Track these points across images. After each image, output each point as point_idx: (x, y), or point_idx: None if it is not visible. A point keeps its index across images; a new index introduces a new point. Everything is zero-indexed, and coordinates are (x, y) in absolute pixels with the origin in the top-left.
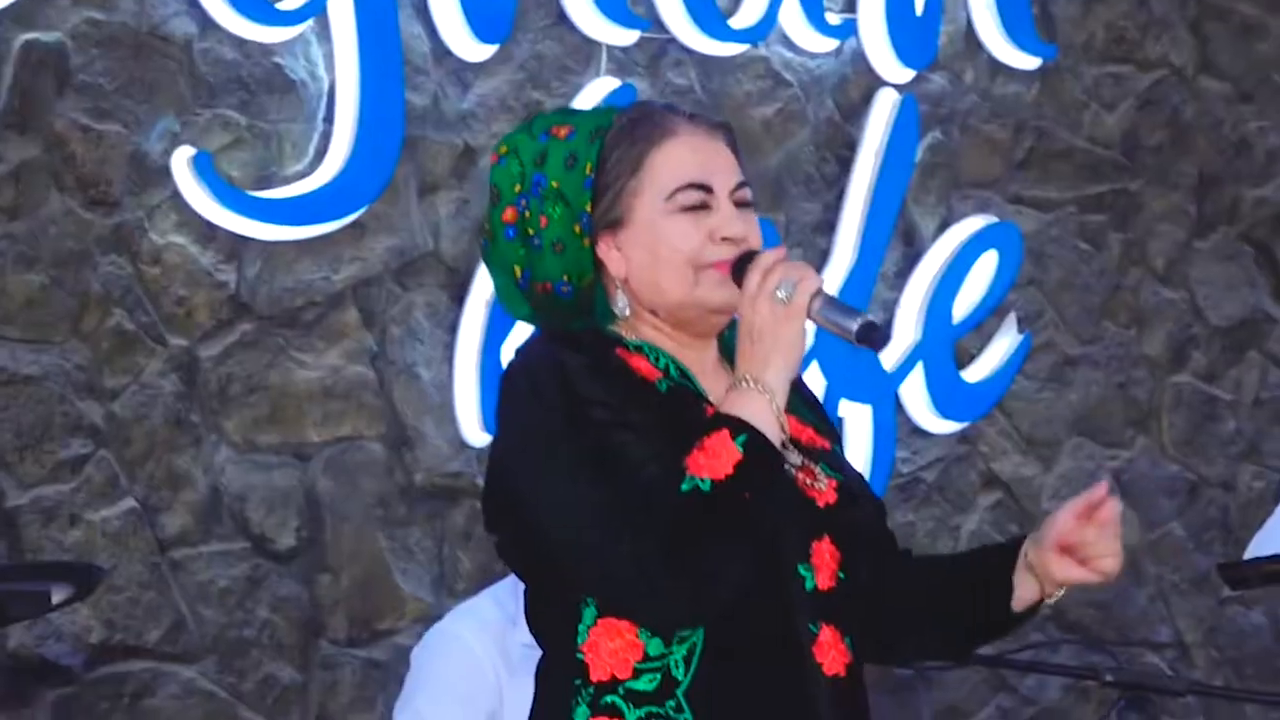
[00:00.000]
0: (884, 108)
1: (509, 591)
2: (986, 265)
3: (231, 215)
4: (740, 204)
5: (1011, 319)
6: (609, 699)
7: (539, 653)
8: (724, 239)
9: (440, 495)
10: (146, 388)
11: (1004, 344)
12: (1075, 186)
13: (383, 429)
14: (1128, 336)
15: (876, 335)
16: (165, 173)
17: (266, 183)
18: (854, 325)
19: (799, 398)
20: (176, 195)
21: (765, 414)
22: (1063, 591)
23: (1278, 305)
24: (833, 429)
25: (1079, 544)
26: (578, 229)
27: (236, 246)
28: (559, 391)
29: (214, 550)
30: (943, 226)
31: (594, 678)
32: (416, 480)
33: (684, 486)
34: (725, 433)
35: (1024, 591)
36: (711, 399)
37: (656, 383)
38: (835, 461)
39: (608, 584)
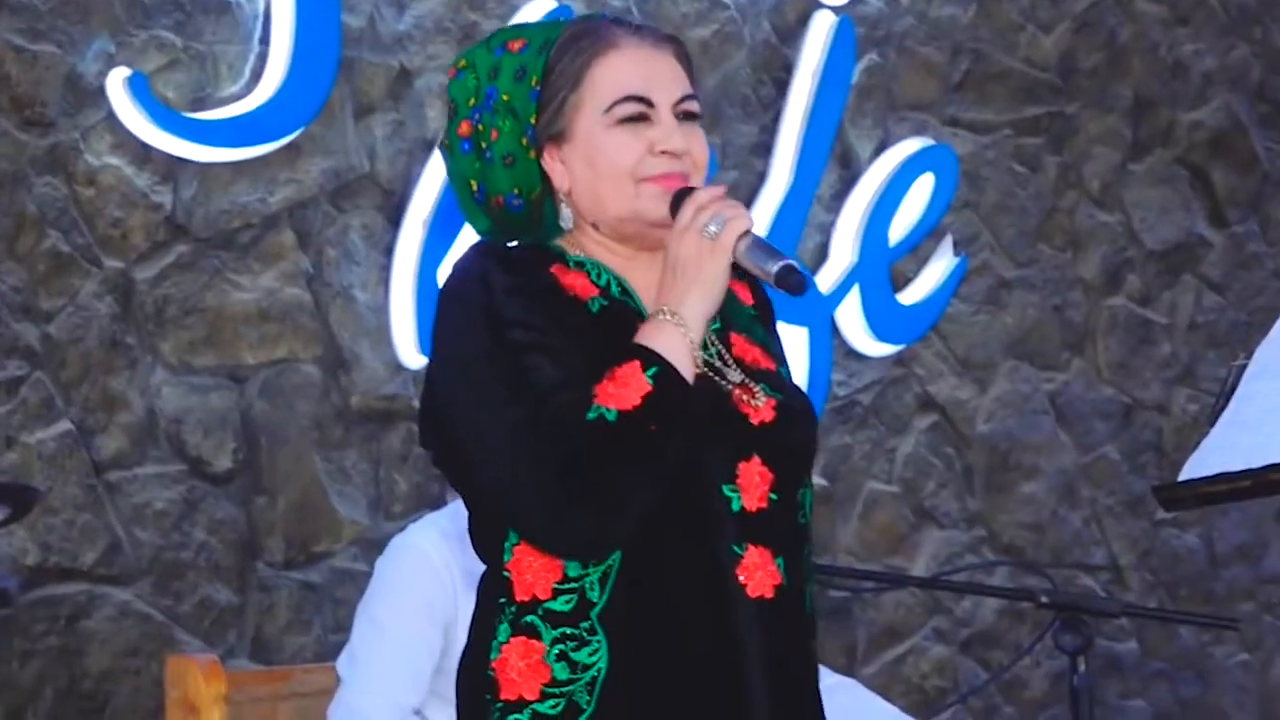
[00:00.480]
0: (820, 30)
1: None
2: (923, 188)
3: (167, 136)
4: (684, 117)
5: (947, 241)
6: (529, 619)
7: None
8: (663, 152)
9: (376, 418)
10: (82, 309)
11: (940, 266)
12: (1011, 109)
13: (319, 351)
14: (1063, 259)
15: (794, 279)
16: (100, 94)
17: (202, 104)
18: (774, 268)
19: (753, 318)
20: (112, 116)
21: (679, 347)
22: None
23: (1213, 229)
24: (781, 354)
25: None
26: (525, 141)
27: (172, 168)
28: (483, 312)
29: (150, 472)
30: (879, 149)
31: (517, 596)
32: (353, 403)
33: (590, 415)
34: (636, 363)
35: None
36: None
37: (589, 302)
38: (778, 383)
39: (512, 509)
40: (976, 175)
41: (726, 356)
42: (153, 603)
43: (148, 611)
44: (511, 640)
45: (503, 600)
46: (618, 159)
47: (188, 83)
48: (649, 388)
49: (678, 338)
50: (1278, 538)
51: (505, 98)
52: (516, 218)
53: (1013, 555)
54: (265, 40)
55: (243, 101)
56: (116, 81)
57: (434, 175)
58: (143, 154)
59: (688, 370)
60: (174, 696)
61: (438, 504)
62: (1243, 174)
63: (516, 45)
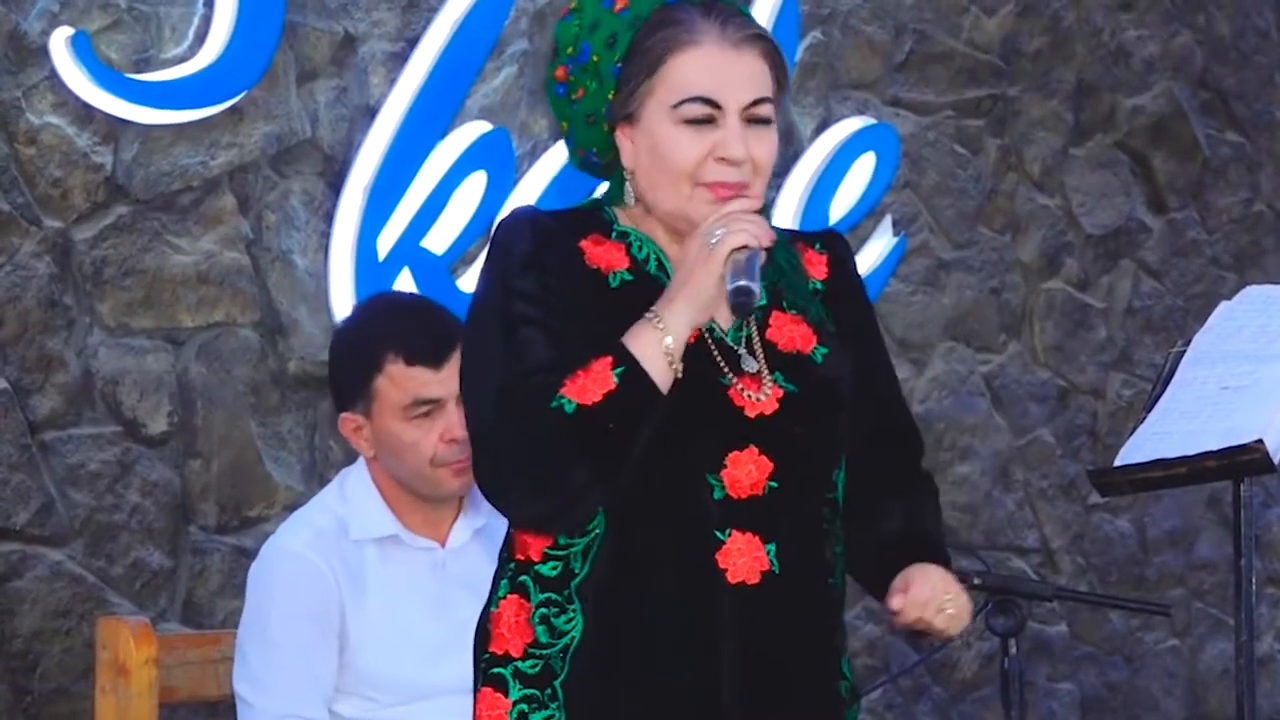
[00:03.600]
0: (765, 7)
1: (335, 496)
2: (863, 167)
3: (109, 97)
4: (753, 121)
5: (887, 221)
6: (523, 578)
7: (372, 548)
8: (721, 158)
9: (313, 383)
10: (20, 269)
11: (879, 246)
12: (954, 90)
13: (257, 316)
14: (1002, 242)
15: (739, 301)
16: (43, 53)
17: (145, 65)
18: (732, 285)
19: (817, 294)
20: (54, 75)
21: (653, 351)
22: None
23: (1151, 214)
24: (841, 330)
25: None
26: (603, 110)
27: (114, 129)
28: (500, 278)
29: (85, 433)
30: (821, 127)
31: (516, 555)
32: (289, 368)
33: (552, 404)
34: (609, 359)
35: None
36: None
37: (609, 276)
38: (801, 371)
39: (477, 468)
40: (917, 156)
41: (754, 342)
42: (85, 564)
43: (79, 573)
44: (508, 597)
45: (507, 556)
46: (678, 158)
47: (131, 44)
48: (612, 386)
49: (654, 342)
50: (1208, 524)
51: (595, 59)
52: (595, 169)
53: (945, 536)
54: (209, 3)
55: (186, 64)
56: (59, 41)
57: (375, 143)
58: (84, 114)
59: (660, 375)
60: (104, 658)
61: None
62: (1183, 160)
63: (619, 6)
